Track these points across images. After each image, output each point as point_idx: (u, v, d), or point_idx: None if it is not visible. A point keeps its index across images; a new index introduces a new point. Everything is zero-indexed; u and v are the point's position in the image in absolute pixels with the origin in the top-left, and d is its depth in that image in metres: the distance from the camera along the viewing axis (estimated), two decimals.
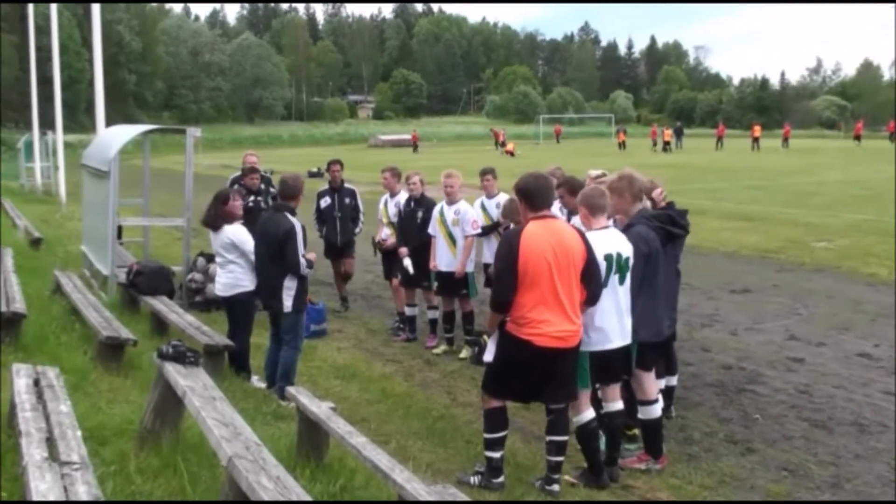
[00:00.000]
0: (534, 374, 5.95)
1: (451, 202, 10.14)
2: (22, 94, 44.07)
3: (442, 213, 10.17)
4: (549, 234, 5.85)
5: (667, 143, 61.01)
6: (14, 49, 75.16)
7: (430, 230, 10.27)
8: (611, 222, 6.58)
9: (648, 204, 7.08)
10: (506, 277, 5.83)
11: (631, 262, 6.27)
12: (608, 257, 6.14)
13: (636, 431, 6.93)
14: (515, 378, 6.00)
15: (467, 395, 8.48)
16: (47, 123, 29.59)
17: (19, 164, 35.51)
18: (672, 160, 47.91)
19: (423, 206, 10.60)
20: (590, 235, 6.18)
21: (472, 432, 7.17)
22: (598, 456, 6.33)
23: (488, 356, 6.17)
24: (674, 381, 7.93)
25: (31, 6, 31.72)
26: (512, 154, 56.99)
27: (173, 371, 5.32)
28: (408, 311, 11.01)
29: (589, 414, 6.25)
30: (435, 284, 10.36)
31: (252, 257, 8.26)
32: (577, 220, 7.24)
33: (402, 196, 11.09)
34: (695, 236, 17.84)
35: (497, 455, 6.17)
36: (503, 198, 9.90)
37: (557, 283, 5.78)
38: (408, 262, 10.54)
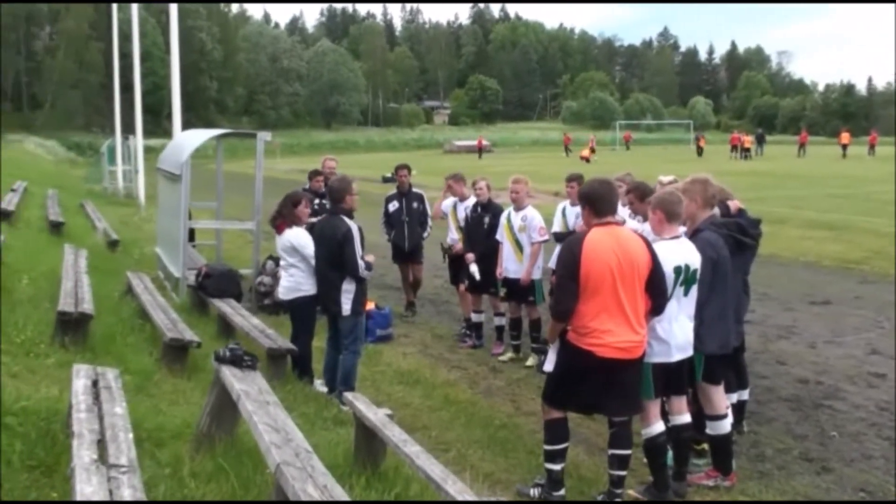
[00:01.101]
0: (595, 385, 5.77)
1: (517, 208, 10.00)
2: (108, 100, 45.30)
3: (509, 220, 10.03)
4: (613, 241, 5.68)
5: (746, 150, 59.72)
6: (101, 56, 77.40)
7: (498, 236, 10.14)
8: (682, 230, 6.37)
9: (718, 212, 6.84)
10: (567, 285, 5.68)
11: (699, 273, 6.05)
12: (677, 269, 5.93)
13: (705, 446, 6.69)
14: (576, 389, 5.84)
15: (532, 404, 8.30)
16: (130, 128, 30.27)
17: (102, 167, 36.42)
18: (752, 167, 46.90)
19: (491, 212, 10.49)
20: (660, 244, 6.00)
21: (535, 442, 7.01)
22: (664, 471, 6.13)
23: (549, 366, 6.02)
24: (745, 394, 7.65)
25: (115, 12, 32.51)
26: (587, 160, 56.50)
27: (229, 374, 5.29)
28: (474, 317, 10.91)
29: (658, 427, 6.06)
30: (502, 291, 10.23)
31: (313, 261, 8.25)
32: (646, 226, 7.05)
33: (472, 201, 10.98)
34: (774, 245, 17.51)
35: (558, 467, 6.01)
36: None
37: (621, 291, 5.61)
38: (474, 269, 10.43)
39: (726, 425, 6.44)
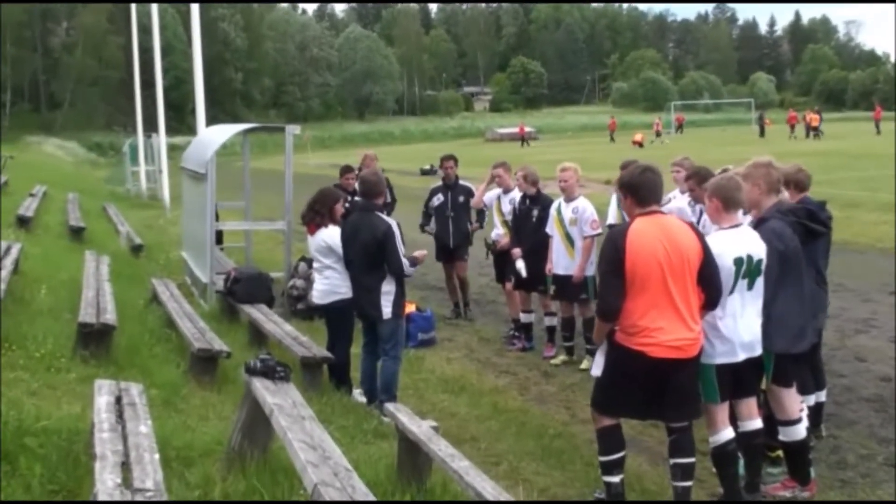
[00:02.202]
0: (649, 388, 5.67)
1: (568, 199, 9.87)
2: (129, 97, 45.76)
3: (559, 212, 9.91)
4: (660, 231, 5.59)
5: (815, 129, 58.87)
6: (121, 51, 78.35)
7: (547, 229, 10.02)
8: (747, 219, 6.23)
9: (787, 195, 6.67)
10: (612, 282, 5.61)
11: (764, 264, 5.90)
12: (738, 261, 5.79)
13: (780, 453, 6.53)
14: (628, 393, 5.75)
15: (588, 411, 8.14)
16: (153, 126, 30.59)
17: (125, 168, 36.83)
18: (820, 147, 46.20)
19: (539, 204, 10.36)
20: (718, 234, 5.91)
21: (593, 453, 6.87)
22: (736, 481, 5.98)
23: (596, 370, 5.95)
24: (823, 396, 7.47)
25: (133, 5, 32.86)
26: (640, 145, 56.06)
27: (261, 387, 5.24)
28: (523, 317, 10.81)
29: (727, 433, 5.91)
30: (552, 288, 10.11)
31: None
32: (705, 218, 6.92)
33: (517, 192, 10.88)
34: (847, 231, 17.17)
35: (616, 479, 5.91)
36: None
37: (671, 285, 5.52)
38: (521, 265, 10.32)
39: (801, 430, 6.27)
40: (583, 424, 7.91)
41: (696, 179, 7.87)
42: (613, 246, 5.63)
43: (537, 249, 10.14)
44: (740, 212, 6.13)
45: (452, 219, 12.29)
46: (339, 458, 4.41)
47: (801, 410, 6.39)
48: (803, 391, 6.55)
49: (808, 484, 6.30)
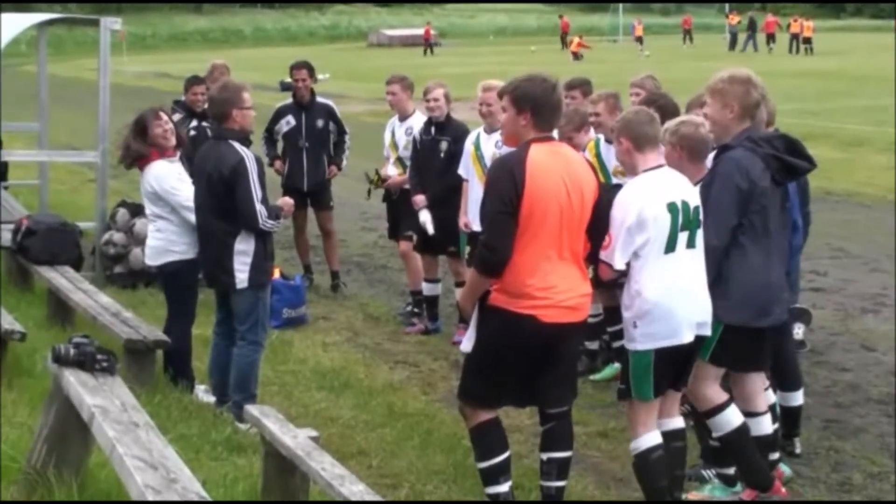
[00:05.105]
0: (533, 364, 5.98)
1: (490, 129, 9.90)
2: None
3: (478, 146, 9.93)
4: (560, 165, 5.90)
5: (807, 40, 60.10)
6: None
7: (462, 170, 10.06)
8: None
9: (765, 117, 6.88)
10: (506, 224, 5.81)
11: (701, 213, 6.10)
12: (672, 207, 5.98)
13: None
14: (510, 373, 6.02)
15: (513, 415, 8.24)
16: None
17: None
18: (815, 65, 47.29)
19: (449, 135, 10.43)
20: (638, 180, 6.15)
21: (520, 471, 7.02)
22: (663, 497, 6.20)
23: (467, 344, 6.19)
24: (798, 397, 7.49)
25: None
26: (577, 56, 56.54)
27: (76, 383, 5.19)
28: (426, 288, 10.89)
29: (651, 438, 6.13)
30: (467, 250, 10.16)
31: (186, 212, 8.10)
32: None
33: (418, 119, 10.87)
34: (849, 178, 17.68)
35: (504, 489, 6.17)
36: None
37: (564, 234, 5.84)
38: (426, 217, 10.35)
39: (767, 424, 6.53)
40: (508, 433, 8.00)
41: (655, 109, 8.02)
42: (510, 178, 5.81)
43: (447, 196, 10.21)
44: (658, 151, 6.31)
45: (308, 151, 12.12)
46: (188, 482, 4.42)
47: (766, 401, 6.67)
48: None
49: (770, 487, 6.46)
